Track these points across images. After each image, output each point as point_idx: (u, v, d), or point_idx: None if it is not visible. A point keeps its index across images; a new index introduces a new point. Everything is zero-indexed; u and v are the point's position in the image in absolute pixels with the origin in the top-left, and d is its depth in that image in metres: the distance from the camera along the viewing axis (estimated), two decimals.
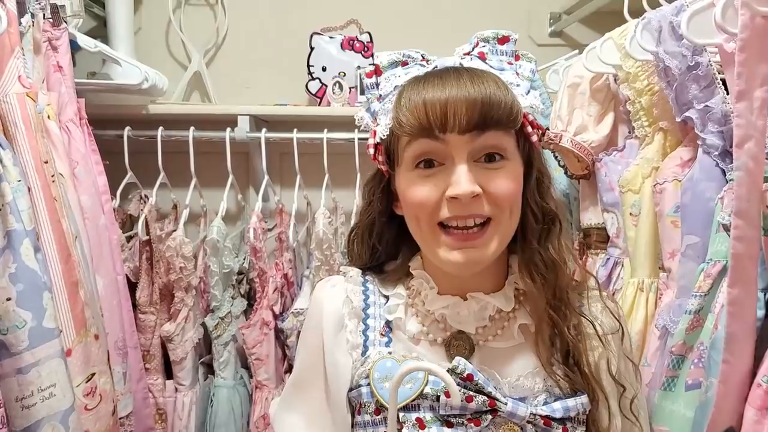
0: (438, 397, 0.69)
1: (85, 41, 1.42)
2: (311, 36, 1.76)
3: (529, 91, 0.75)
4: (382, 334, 0.77)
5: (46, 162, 1.07)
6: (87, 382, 1.07)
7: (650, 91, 1.07)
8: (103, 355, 1.12)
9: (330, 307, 0.79)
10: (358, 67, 1.72)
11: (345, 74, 1.72)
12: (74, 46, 1.43)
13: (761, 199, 0.73)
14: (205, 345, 1.60)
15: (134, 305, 1.49)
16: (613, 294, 1.18)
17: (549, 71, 1.42)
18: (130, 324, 1.34)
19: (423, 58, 0.77)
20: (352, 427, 0.74)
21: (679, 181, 1.01)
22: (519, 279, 0.77)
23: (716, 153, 0.92)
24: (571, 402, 0.71)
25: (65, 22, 1.25)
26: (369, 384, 0.72)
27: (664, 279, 1.08)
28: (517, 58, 0.78)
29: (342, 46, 1.75)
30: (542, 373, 0.74)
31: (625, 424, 0.77)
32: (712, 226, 0.91)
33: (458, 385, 0.69)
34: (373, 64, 0.78)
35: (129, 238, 1.57)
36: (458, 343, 0.75)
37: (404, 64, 0.77)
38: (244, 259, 1.64)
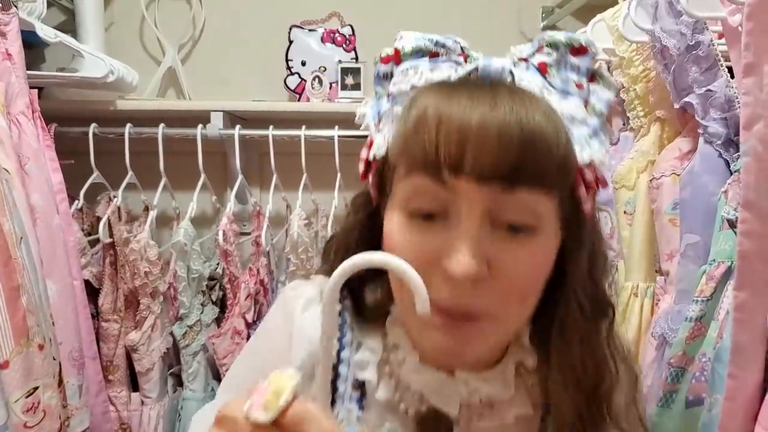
0: None
1: (46, 31, 1.33)
2: (290, 29, 1.68)
3: (595, 134, 0.52)
4: (355, 387, 0.59)
5: None
6: (27, 396, 0.97)
7: (646, 77, 0.98)
8: (49, 367, 1.02)
9: (303, 336, 0.59)
10: (339, 62, 1.64)
11: (325, 69, 1.63)
12: (40, 41, 1.35)
13: None
14: (175, 355, 1.50)
15: (96, 313, 1.39)
16: None
17: None
18: (88, 333, 1.25)
19: (462, 51, 0.53)
20: None
21: (678, 174, 0.92)
22: (524, 356, 0.58)
23: (719, 142, 0.83)
24: None
25: (15, 6, 1.16)
26: None
27: (661, 283, 0.98)
28: (592, 79, 0.53)
29: (322, 40, 1.67)
30: None
31: None
32: (714, 223, 0.82)
33: None
34: (394, 48, 0.54)
35: (96, 242, 1.48)
36: (431, 422, 0.58)
37: (434, 55, 0.53)
38: (218, 264, 1.54)
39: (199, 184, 1.53)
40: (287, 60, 1.66)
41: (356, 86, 1.60)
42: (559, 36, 0.52)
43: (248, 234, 1.64)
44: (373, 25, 1.73)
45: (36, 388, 0.99)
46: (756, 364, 0.66)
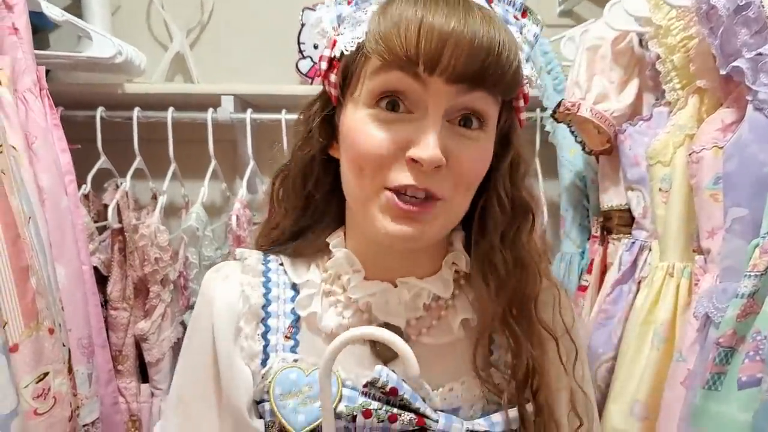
0: (354, 417, 0.56)
1: (51, 10, 1.29)
2: (303, 11, 1.63)
3: (528, 60, 0.61)
4: (287, 336, 0.62)
5: None
6: (38, 382, 0.92)
7: (684, 47, 0.93)
8: (59, 353, 0.98)
9: (223, 305, 0.63)
10: None
11: None
12: (48, 23, 1.31)
13: None
14: None
15: (105, 301, 1.35)
16: (639, 282, 1.05)
17: (564, 39, 1.29)
18: (97, 320, 1.20)
19: None
20: None
21: (720, 147, 0.88)
22: (458, 259, 0.64)
23: None
24: (512, 413, 0.59)
25: None
26: (270, 401, 0.59)
27: (700, 263, 0.94)
28: (524, 14, 0.62)
29: None
30: (480, 378, 0.61)
31: None
32: (766, 194, 0.78)
33: (379, 400, 0.56)
34: None
35: (103, 229, 1.43)
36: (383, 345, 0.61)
37: None
38: (228, 252, 1.50)
39: (210, 169, 1.48)
40: (299, 43, 1.62)
41: None
42: None
43: (258, 223, 1.60)
44: None
45: (46, 374, 0.94)
46: None
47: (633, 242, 1.07)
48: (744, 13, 0.79)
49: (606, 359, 1.03)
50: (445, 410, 0.59)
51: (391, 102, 0.54)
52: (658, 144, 0.97)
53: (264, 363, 0.60)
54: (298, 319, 0.63)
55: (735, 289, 0.81)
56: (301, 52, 1.62)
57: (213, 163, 1.48)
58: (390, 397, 0.56)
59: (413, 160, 0.53)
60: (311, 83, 1.61)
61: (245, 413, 0.59)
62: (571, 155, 1.29)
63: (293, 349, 0.61)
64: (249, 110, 1.48)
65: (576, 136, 1.19)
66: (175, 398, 0.66)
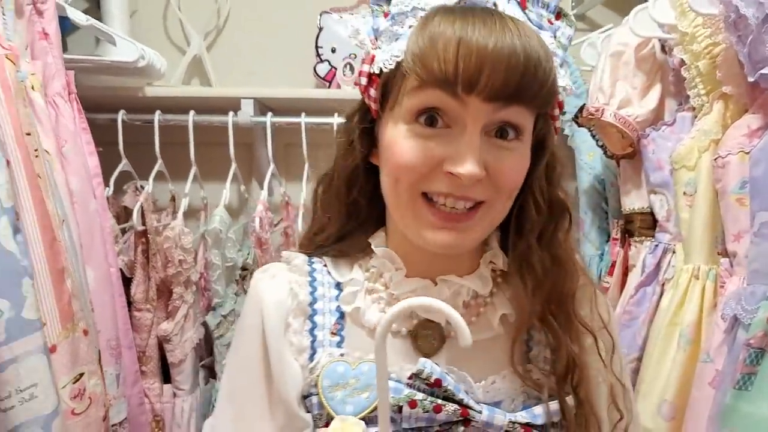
0: (400, 408, 0.58)
1: (76, 15, 1.30)
2: (320, 15, 1.65)
3: (562, 64, 0.61)
4: (332, 332, 0.64)
5: (28, 134, 0.94)
6: (74, 383, 0.94)
7: (709, 53, 0.95)
8: (93, 354, 1.00)
9: (271, 302, 0.65)
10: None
11: (356, 56, 1.60)
12: (66, 26, 1.32)
13: None
14: (206, 346, 1.47)
15: (129, 302, 1.36)
16: (663, 284, 1.07)
17: (584, 44, 1.31)
18: (124, 322, 1.21)
19: None
20: None
21: (747, 152, 0.90)
22: (495, 257, 0.66)
23: None
24: (553, 406, 0.60)
25: None
26: (318, 394, 0.60)
27: (726, 265, 0.96)
28: (558, 16, 0.63)
29: None
30: (520, 372, 0.62)
31: None
32: None
33: (424, 392, 0.58)
34: None
35: (123, 231, 1.44)
36: (427, 333, 0.63)
37: None
38: (248, 254, 1.51)
39: (231, 172, 1.50)
40: (317, 47, 1.63)
41: None
42: None
43: (277, 224, 1.61)
44: None
45: (82, 374, 0.96)
46: None
47: (656, 245, 1.09)
48: None
49: (630, 360, 1.05)
50: (488, 403, 0.60)
51: (429, 117, 0.56)
52: (683, 149, 0.99)
53: (311, 358, 0.62)
54: (342, 315, 0.65)
55: (763, 292, 0.84)
56: (318, 55, 1.64)
57: (233, 166, 1.50)
58: (434, 388, 0.58)
59: (452, 174, 0.55)
60: (329, 86, 1.63)
61: (295, 406, 0.61)
62: (589, 159, 1.31)
63: (339, 345, 0.63)
64: (269, 114, 1.49)
65: (597, 141, 1.21)
66: (227, 395, 0.67)
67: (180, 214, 1.36)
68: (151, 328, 1.34)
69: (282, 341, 0.63)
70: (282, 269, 0.68)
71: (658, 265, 1.07)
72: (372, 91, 0.61)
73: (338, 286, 0.66)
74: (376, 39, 0.61)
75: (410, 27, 0.58)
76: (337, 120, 1.49)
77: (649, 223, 1.13)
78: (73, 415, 0.93)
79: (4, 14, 0.97)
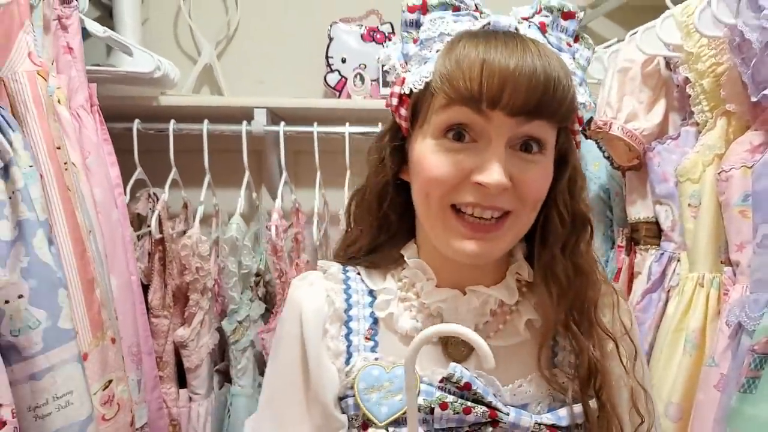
0: (432, 410, 0.61)
1: (93, 26, 1.32)
2: (331, 26, 1.68)
3: (582, 83, 0.66)
4: (367, 337, 0.68)
5: (59, 148, 0.98)
6: (104, 389, 0.97)
7: (713, 72, 1.00)
8: (119, 361, 1.03)
9: (310, 310, 0.68)
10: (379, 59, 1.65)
11: (366, 66, 1.64)
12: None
13: None
14: (219, 352, 1.50)
15: (146, 309, 1.39)
16: (668, 291, 1.11)
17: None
18: (144, 328, 1.24)
19: (476, 8, 0.66)
20: None
21: (749, 167, 0.94)
22: (520, 268, 0.70)
23: None
24: (577, 408, 0.64)
25: (76, 0, 1.16)
26: (354, 395, 0.64)
27: (729, 274, 1.00)
28: (576, 39, 0.67)
29: (363, 38, 1.67)
30: (545, 376, 0.66)
31: None
32: None
33: (454, 395, 0.62)
34: (421, 1, 0.65)
35: (138, 238, 1.47)
36: (456, 341, 0.67)
37: (456, 9, 0.65)
38: (260, 260, 1.55)
39: (245, 181, 1.53)
40: (327, 57, 1.67)
41: None
42: (554, 2, 0.65)
43: (286, 231, 1.65)
44: None
45: (110, 381, 0.99)
46: None
47: (662, 253, 1.13)
48: None
49: None
50: (515, 405, 0.64)
51: (456, 133, 0.60)
52: (688, 162, 1.03)
53: (347, 362, 0.66)
54: (376, 321, 0.68)
55: (766, 300, 0.88)
56: (329, 65, 1.67)
57: (247, 174, 1.53)
58: (464, 391, 0.62)
59: (479, 184, 0.59)
60: (339, 96, 1.66)
61: (332, 407, 0.65)
62: (595, 169, 1.35)
63: (373, 349, 0.67)
64: (282, 123, 1.53)
65: (604, 152, 1.25)
66: (267, 400, 0.71)
67: (197, 222, 1.39)
68: (168, 334, 1.37)
69: (320, 346, 0.66)
70: (319, 277, 0.72)
71: (663, 273, 1.12)
72: (402, 111, 0.65)
73: (371, 293, 0.70)
74: (406, 63, 0.66)
75: (437, 51, 0.62)
76: (348, 129, 1.53)
77: (654, 232, 1.17)
78: (103, 421, 0.96)
79: (34, 30, 0.99)
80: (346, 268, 0.73)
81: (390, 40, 1.68)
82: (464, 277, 0.68)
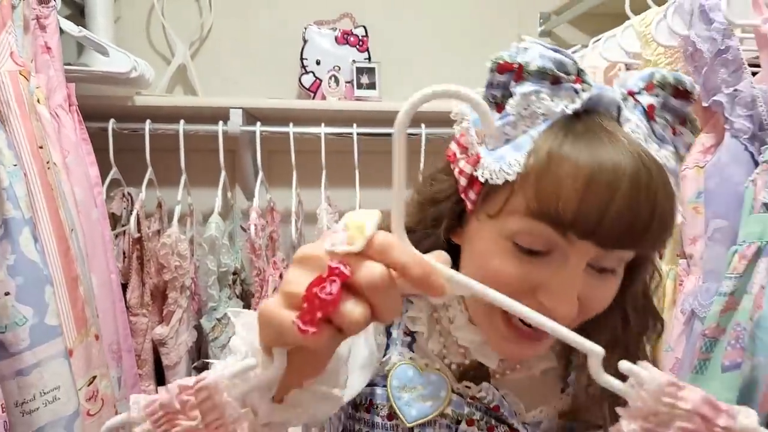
0: (459, 422, 0.62)
1: (68, 25, 1.33)
2: (305, 28, 1.72)
3: (678, 182, 0.53)
4: (405, 333, 0.67)
5: (41, 147, 0.99)
6: (89, 385, 0.99)
7: None
8: (103, 357, 1.05)
9: None
10: (354, 62, 1.69)
11: (340, 68, 1.68)
12: None
13: None
14: (196, 349, 1.52)
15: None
16: None
17: None
18: (124, 326, 1.26)
19: (578, 76, 0.52)
20: (353, 418, 0.65)
21: (701, 167, 1.02)
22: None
23: (745, 137, 0.93)
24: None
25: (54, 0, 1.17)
26: (386, 387, 0.64)
27: (684, 266, 1.08)
28: (683, 122, 0.54)
29: (337, 41, 1.71)
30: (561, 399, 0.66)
31: None
32: (742, 208, 0.91)
33: (480, 410, 0.63)
34: (516, 63, 0.51)
35: (114, 237, 1.48)
36: (474, 373, 0.65)
37: (555, 81, 0.51)
38: (235, 258, 1.57)
39: (221, 180, 1.55)
40: (302, 59, 1.70)
41: (371, 85, 1.66)
42: (670, 77, 0.52)
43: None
44: (382, 27, 1.79)
45: (94, 377, 1.01)
46: None
47: None
48: (724, 55, 0.92)
49: None
50: (530, 424, 0.65)
51: (530, 250, 0.51)
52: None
53: (385, 353, 0.66)
54: None
55: (716, 289, 0.95)
56: (303, 67, 1.70)
57: (223, 173, 1.55)
58: (491, 411, 0.63)
59: (544, 307, 0.50)
60: (313, 97, 1.70)
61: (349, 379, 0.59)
62: None
63: (410, 345, 0.66)
64: (258, 123, 1.56)
65: None
66: None
67: (175, 222, 1.41)
68: (146, 332, 1.39)
69: (373, 332, 0.65)
70: None
71: None
72: (471, 194, 0.55)
73: (408, 299, 0.67)
74: (481, 137, 0.55)
75: (524, 132, 0.51)
76: (324, 130, 1.57)
77: None
78: (88, 416, 0.97)
79: (15, 30, 1.00)
80: None
81: (364, 44, 1.73)
82: None
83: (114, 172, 1.50)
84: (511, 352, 0.57)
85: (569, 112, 0.51)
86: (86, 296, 1.02)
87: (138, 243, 1.42)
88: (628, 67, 1.20)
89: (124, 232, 1.50)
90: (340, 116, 1.64)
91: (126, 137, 1.55)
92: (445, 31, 1.86)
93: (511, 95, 0.51)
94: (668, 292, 1.09)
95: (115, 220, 1.58)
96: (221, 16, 1.80)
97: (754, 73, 0.95)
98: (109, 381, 1.05)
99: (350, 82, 1.67)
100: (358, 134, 1.57)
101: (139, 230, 1.41)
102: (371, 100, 1.66)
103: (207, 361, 1.48)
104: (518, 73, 0.51)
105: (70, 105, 1.21)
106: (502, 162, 0.51)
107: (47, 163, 1.00)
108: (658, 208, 0.48)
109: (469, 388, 0.64)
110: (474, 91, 0.37)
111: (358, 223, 0.37)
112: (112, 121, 1.50)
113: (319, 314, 0.35)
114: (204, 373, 0.44)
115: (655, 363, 0.52)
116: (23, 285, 0.87)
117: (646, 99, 0.53)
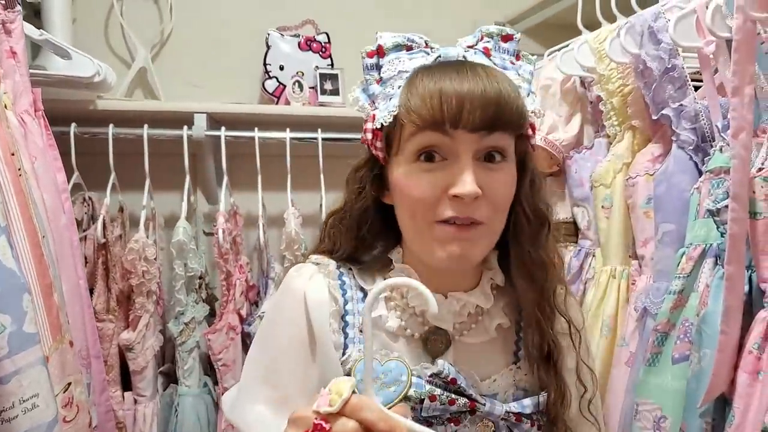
0: (422, 400, 0.70)
1: (29, 29, 1.31)
2: (268, 34, 1.73)
3: (529, 94, 0.74)
4: (360, 330, 0.74)
5: (13, 154, 0.98)
6: (64, 392, 0.98)
7: (621, 92, 1.15)
8: (77, 364, 1.04)
9: (314, 300, 0.74)
10: (317, 68, 1.72)
11: (303, 74, 1.71)
12: None
13: (749, 185, 0.82)
14: (162, 354, 1.52)
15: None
16: (586, 282, 1.26)
17: None
18: (92, 332, 1.25)
19: (426, 44, 0.74)
20: None
21: (651, 175, 1.10)
22: (495, 275, 0.78)
23: (690, 148, 1.02)
24: (541, 398, 0.74)
25: (19, 4, 1.15)
26: None
27: (635, 267, 1.16)
28: (518, 57, 0.76)
29: (300, 46, 1.74)
30: (512, 369, 0.76)
31: (584, 425, 0.79)
32: (688, 214, 1.00)
33: (440, 387, 0.70)
34: (377, 45, 0.73)
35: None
36: (435, 338, 0.75)
37: (408, 48, 0.73)
38: (200, 263, 1.57)
39: (186, 185, 1.55)
40: (265, 64, 1.72)
41: (335, 91, 1.69)
42: (492, 28, 0.75)
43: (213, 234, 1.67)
44: (344, 33, 1.82)
45: (69, 384, 1.00)
46: (738, 322, 0.83)
47: (579, 250, 1.28)
48: (670, 73, 1.01)
49: None
50: (486, 395, 0.73)
51: (427, 155, 0.67)
52: (601, 169, 1.18)
53: (344, 353, 0.73)
54: None
55: (666, 287, 1.04)
56: (267, 72, 1.72)
57: (187, 178, 1.55)
58: (450, 385, 0.71)
59: (455, 197, 0.65)
60: (276, 102, 1.72)
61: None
62: None
63: None
64: (223, 128, 1.56)
65: None
66: (262, 378, 0.74)
67: (141, 226, 1.40)
68: (113, 337, 1.38)
69: (328, 336, 0.72)
70: (315, 271, 0.77)
71: (581, 267, 1.27)
72: (378, 143, 0.72)
73: (362, 289, 0.77)
74: (373, 102, 0.73)
75: (399, 87, 0.70)
76: (289, 135, 1.59)
77: (572, 231, 1.33)
78: (65, 423, 0.97)
79: None
80: (339, 265, 0.79)
81: (326, 50, 1.76)
82: (445, 283, 0.74)
83: (76, 177, 1.48)
84: (455, 252, 0.67)
85: (425, 63, 0.70)
86: (60, 302, 1.01)
87: (103, 248, 1.41)
88: (582, 80, 1.28)
89: (86, 237, 1.48)
90: (304, 121, 1.66)
91: (87, 141, 1.53)
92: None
93: (380, 70, 0.73)
94: (622, 291, 1.18)
95: (76, 225, 1.55)
96: (182, 19, 1.79)
97: (696, 88, 1.04)
98: (84, 387, 1.04)
99: (314, 87, 1.70)
100: (322, 139, 1.60)
101: (104, 235, 1.40)
102: (335, 105, 1.70)
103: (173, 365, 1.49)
104: (380, 51, 0.73)
105: (36, 110, 1.19)
106: (388, 107, 0.70)
107: (18, 170, 0.99)
108: (503, 92, 0.66)
109: (426, 368, 0.72)
110: (420, 284, 0.52)
111: (338, 388, 0.49)
112: (73, 125, 1.48)
113: None
114: None
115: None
116: (1, 293, 0.86)
117: (481, 45, 0.74)
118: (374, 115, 0.72)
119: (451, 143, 0.66)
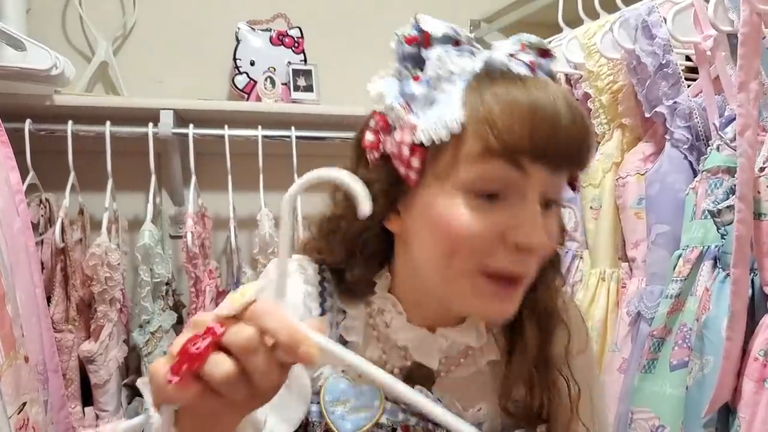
0: (394, 429, 0.62)
1: None
2: (238, 28, 1.65)
3: None
4: (339, 343, 0.67)
5: None
6: (19, 413, 0.90)
7: (610, 89, 1.12)
8: (33, 381, 0.95)
9: (289, 300, 0.62)
10: (289, 63, 1.65)
11: (275, 69, 1.63)
12: None
13: (754, 184, 0.79)
14: (126, 366, 1.42)
15: None
16: (573, 285, 1.22)
17: None
18: (50, 344, 1.15)
19: (469, 42, 0.58)
20: None
21: (642, 174, 1.07)
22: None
23: (685, 147, 0.99)
24: None
25: None
26: (319, 403, 0.63)
27: (626, 269, 1.13)
28: (552, 77, 0.60)
29: (271, 41, 1.66)
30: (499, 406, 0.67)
31: None
32: (684, 214, 0.97)
33: (416, 416, 0.63)
34: (420, 30, 0.55)
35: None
36: (419, 375, 0.65)
37: (456, 43, 0.56)
38: (166, 268, 1.49)
39: (152, 186, 1.46)
40: (235, 59, 1.64)
41: (308, 88, 1.62)
42: (532, 39, 0.58)
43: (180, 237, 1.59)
44: (318, 28, 1.76)
45: (25, 404, 0.92)
46: (743, 327, 0.80)
47: (566, 252, 1.24)
48: (664, 69, 0.98)
49: None
50: (473, 425, 0.66)
51: (490, 192, 0.53)
52: (590, 169, 1.15)
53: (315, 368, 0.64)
54: (342, 336, 0.66)
55: (660, 291, 1.01)
56: (237, 68, 1.64)
57: (153, 179, 1.47)
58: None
59: (522, 246, 0.53)
60: (247, 99, 1.64)
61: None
62: None
63: None
64: (191, 125, 1.48)
65: None
66: None
67: (104, 230, 1.31)
68: (73, 349, 1.28)
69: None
70: (295, 271, 0.68)
71: (568, 269, 1.23)
72: (415, 162, 0.55)
73: (342, 311, 0.67)
74: (408, 104, 0.56)
75: (444, 91, 0.54)
76: (261, 132, 1.52)
77: None
78: None
79: None
80: (323, 267, 0.69)
81: (299, 45, 1.69)
82: (434, 315, 0.64)
83: (31, 177, 1.38)
84: (501, 311, 0.57)
85: (477, 69, 0.54)
86: (13, 314, 0.92)
87: (62, 253, 1.31)
88: (568, 77, 1.24)
89: (42, 241, 1.38)
90: (277, 119, 1.59)
91: (43, 138, 1.43)
92: (379, 36, 1.85)
93: (420, 64, 0.56)
94: (611, 294, 1.14)
95: (32, 228, 1.45)
96: (146, 10, 1.70)
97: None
98: (40, 406, 0.96)
99: (286, 83, 1.63)
100: (296, 137, 1.53)
101: (63, 239, 1.30)
102: (309, 102, 1.63)
103: (140, 377, 1.39)
104: (426, 40, 0.55)
105: None
106: (440, 120, 0.53)
107: None
108: (590, 127, 0.55)
109: None
110: (348, 174, 0.42)
111: (242, 292, 0.41)
112: (28, 121, 1.37)
113: (185, 366, 0.38)
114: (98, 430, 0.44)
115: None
116: None
117: (525, 57, 0.56)
118: (415, 125, 0.54)
119: (521, 180, 0.52)
